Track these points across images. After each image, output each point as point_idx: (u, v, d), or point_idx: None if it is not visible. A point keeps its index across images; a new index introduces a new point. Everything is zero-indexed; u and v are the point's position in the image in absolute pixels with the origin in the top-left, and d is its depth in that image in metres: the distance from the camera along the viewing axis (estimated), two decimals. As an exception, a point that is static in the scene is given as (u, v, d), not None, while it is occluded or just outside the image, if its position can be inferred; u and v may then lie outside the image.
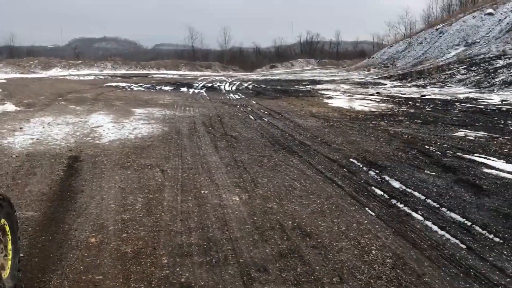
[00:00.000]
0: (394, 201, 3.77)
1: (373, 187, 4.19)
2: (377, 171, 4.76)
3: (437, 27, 38.93)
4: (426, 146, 6.09)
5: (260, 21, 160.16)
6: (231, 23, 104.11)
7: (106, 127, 7.79)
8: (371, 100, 14.47)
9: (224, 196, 3.95)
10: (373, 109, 11.48)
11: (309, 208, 3.61)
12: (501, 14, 32.22)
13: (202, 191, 4.09)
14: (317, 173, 4.72)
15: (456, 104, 13.42)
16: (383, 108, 11.89)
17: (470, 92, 18.25)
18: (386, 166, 4.98)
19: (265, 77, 32.36)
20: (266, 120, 9.02)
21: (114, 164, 5.17)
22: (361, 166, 5.03)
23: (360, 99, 14.87)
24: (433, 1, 72.86)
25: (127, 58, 46.82)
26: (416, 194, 3.97)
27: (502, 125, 8.51)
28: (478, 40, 30.73)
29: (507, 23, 30.11)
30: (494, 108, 12.10)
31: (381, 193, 4.00)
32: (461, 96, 16.42)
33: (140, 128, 7.80)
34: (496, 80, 20.82)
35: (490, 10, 33.98)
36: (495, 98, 15.41)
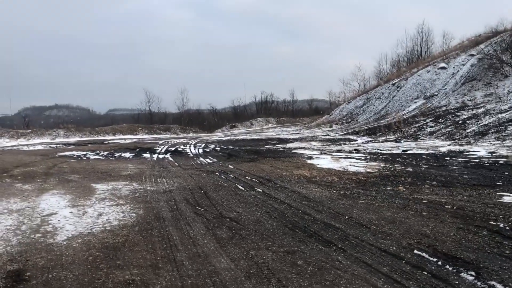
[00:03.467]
0: None
1: (501, 311, 2.68)
2: (472, 273, 3.28)
3: (393, 82, 39.82)
4: (491, 222, 4.73)
5: (214, 84, 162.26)
6: (186, 87, 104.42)
7: (62, 215, 5.95)
8: (355, 158, 13.34)
9: None
10: (368, 170, 10.25)
11: None
12: (454, 67, 33.33)
13: None
14: (391, 284, 3.17)
15: (447, 158, 12.50)
16: (377, 167, 10.69)
17: (448, 145, 17.66)
18: (474, 263, 3.52)
19: (228, 138, 31.09)
20: (261, 190, 7.48)
21: (78, 285, 3.40)
22: (440, 264, 3.54)
23: (343, 157, 13.71)
24: (382, 58, 76.61)
25: (80, 125, 44.44)
26: None
27: (530, 183, 7.41)
28: (436, 93, 31.30)
29: (461, 76, 31.00)
30: (491, 161, 11.22)
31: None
32: (443, 149, 15.68)
33: (107, 213, 6.02)
34: (467, 131, 20.56)
35: (442, 64, 35.14)
36: (480, 150, 14.73)
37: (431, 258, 3.66)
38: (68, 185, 8.77)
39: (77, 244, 4.54)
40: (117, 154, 17.10)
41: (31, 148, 22.92)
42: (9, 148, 23.82)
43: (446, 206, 5.61)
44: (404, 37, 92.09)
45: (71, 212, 6.10)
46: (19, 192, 7.92)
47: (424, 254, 3.77)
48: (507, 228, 4.49)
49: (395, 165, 11.01)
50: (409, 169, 10.16)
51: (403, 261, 3.62)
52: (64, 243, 4.61)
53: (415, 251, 3.86)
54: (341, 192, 7.02)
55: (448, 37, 53.40)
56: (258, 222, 5.20)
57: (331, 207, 5.89)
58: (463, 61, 32.68)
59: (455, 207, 5.53)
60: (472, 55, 32.40)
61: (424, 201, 6.04)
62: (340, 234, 4.53)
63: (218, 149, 19.64)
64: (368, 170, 10.21)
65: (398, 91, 36.23)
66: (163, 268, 3.71)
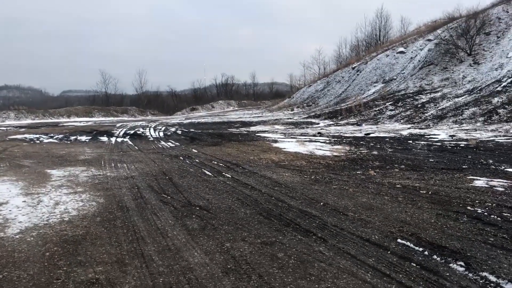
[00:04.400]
0: None
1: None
2: (462, 264, 3.15)
3: (353, 66, 40.19)
4: (469, 208, 4.67)
5: (174, 66, 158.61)
6: (144, 68, 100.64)
7: (14, 204, 5.43)
8: (320, 142, 13.27)
9: None
10: (335, 153, 10.17)
11: None
12: (412, 52, 33.96)
13: None
14: (381, 278, 2.98)
15: (409, 141, 12.65)
16: (343, 151, 10.63)
17: (408, 128, 17.97)
18: (461, 252, 3.40)
19: (189, 120, 30.48)
20: (229, 176, 7.19)
21: (34, 286, 3.01)
22: (427, 254, 3.39)
23: (308, 141, 13.62)
24: (342, 42, 77.33)
25: (32, 107, 42.22)
26: None
27: (494, 167, 7.52)
28: (395, 77, 31.83)
29: (419, 61, 31.64)
30: (453, 145, 11.42)
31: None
32: (404, 133, 15.91)
33: (65, 202, 5.55)
34: (426, 115, 21.04)
35: (401, 49, 35.74)
36: (440, 134, 15.05)
37: (416, 248, 3.51)
38: (20, 171, 8.14)
39: (32, 238, 4.09)
40: (72, 138, 16.27)
41: (-23, 131, 21.48)
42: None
43: (421, 191, 5.53)
44: (363, 22, 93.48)
45: (24, 201, 5.58)
46: (-37, 180, 7.24)
47: (408, 244, 3.61)
48: (486, 213, 4.43)
49: (360, 149, 10.99)
50: (375, 152, 10.15)
51: (389, 252, 3.45)
52: (17, 237, 4.15)
53: (399, 240, 3.71)
54: (312, 177, 6.84)
55: (406, 22, 54.61)
56: (230, 211, 4.92)
57: (304, 193, 5.69)
58: (421, 45, 33.34)
59: (430, 192, 5.46)
60: (429, 40, 33.10)
61: (397, 186, 5.95)
62: (318, 223, 4.32)
63: (179, 132, 19.13)
64: (335, 153, 10.13)
65: (358, 75, 36.62)
66: (131, 265, 3.37)
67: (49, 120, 34.54)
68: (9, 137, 16.56)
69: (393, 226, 4.11)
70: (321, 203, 5.09)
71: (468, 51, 27.53)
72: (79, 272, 3.25)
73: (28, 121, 33.69)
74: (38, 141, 14.75)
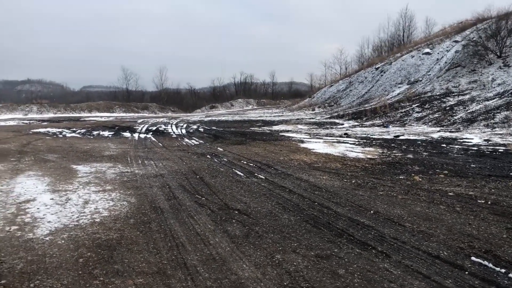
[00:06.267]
0: None
1: None
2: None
3: (377, 66, 39.42)
4: (540, 221, 4.19)
5: (193, 63, 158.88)
6: (165, 65, 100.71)
7: (42, 202, 5.15)
8: (349, 143, 12.81)
9: None
10: (368, 156, 9.71)
11: None
12: (438, 53, 33.08)
13: None
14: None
15: (443, 145, 12.10)
16: (375, 154, 10.16)
17: (438, 131, 17.34)
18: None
19: (210, 118, 30.22)
20: (263, 177, 6.81)
21: (69, 300, 2.68)
22: None
23: (336, 142, 13.19)
24: (364, 43, 76.20)
25: (54, 101, 42.54)
26: None
27: (546, 175, 6.98)
28: (420, 79, 31.07)
29: (445, 62, 30.79)
30: (490, 150, 10.85)
31: None
32: (435, 136, 15.34)
33: (94, 201, 5.24)
34: (455, 118, 20.36)
35: (427, 50, 34.88)
36: (473, 138, 14.43)
37: (497, 269, 3.08)
38: (45, 166, 7.90)
39: (63, 241, 3.78)
40: (95, 132, 16.11)
41: (2, 123, 21.56)
42: (-23, 123, 22.36)
43: (479, 201, 5.07)
44: (386, 22, 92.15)
45: (52, 199, 5.30)
46: (-11, 173, 7.02)
47: (486, 263, 3.18)
48: (562, 229, 3.96)
49: (394, 152, 10.52)
50: (410, 156, 9.67)
51: (466, 272, 3.02)
52: (47, 238, 3.84)
53: (473, 258, 3.27)
54: (353, 181, 6.41)
55: (431, 22, 53.40)
56: (272, 216, 4.54)
57: (349, 199, 5.27)
58: (447, 47, 32.47)
59: (489, 202, 4.99)
60: (456, 41, 32.21)
61: (450, 193, 5.49)
62: (374, 234, 3.91)
63: (201, 129, 18.86)
64: (369, 156, 9.67)
65: (382, 75, 35.90)
66: (174, 277, 3.02)
67: (71, 115, 34.69)
68: (32, 130, 16.50)
69: (461, 241, 3.67)
70: (371, 211, 4.67)
71: (498, 53, 26.66)
72: (117, 283, 2.91)
73: (50, 115, 33.89)
74: (61, 135, 14.62)
